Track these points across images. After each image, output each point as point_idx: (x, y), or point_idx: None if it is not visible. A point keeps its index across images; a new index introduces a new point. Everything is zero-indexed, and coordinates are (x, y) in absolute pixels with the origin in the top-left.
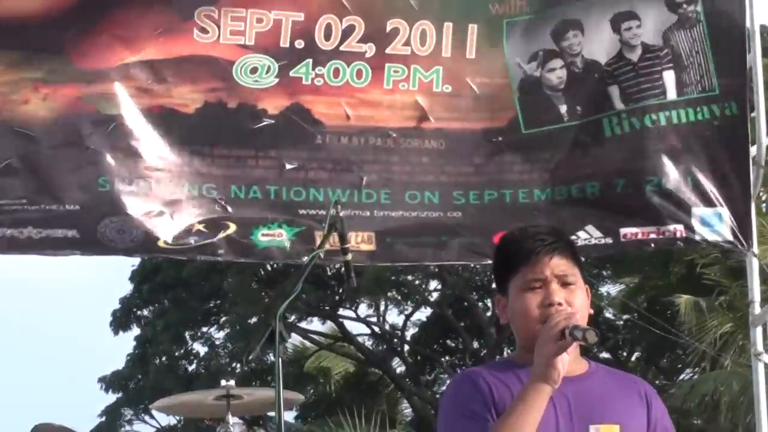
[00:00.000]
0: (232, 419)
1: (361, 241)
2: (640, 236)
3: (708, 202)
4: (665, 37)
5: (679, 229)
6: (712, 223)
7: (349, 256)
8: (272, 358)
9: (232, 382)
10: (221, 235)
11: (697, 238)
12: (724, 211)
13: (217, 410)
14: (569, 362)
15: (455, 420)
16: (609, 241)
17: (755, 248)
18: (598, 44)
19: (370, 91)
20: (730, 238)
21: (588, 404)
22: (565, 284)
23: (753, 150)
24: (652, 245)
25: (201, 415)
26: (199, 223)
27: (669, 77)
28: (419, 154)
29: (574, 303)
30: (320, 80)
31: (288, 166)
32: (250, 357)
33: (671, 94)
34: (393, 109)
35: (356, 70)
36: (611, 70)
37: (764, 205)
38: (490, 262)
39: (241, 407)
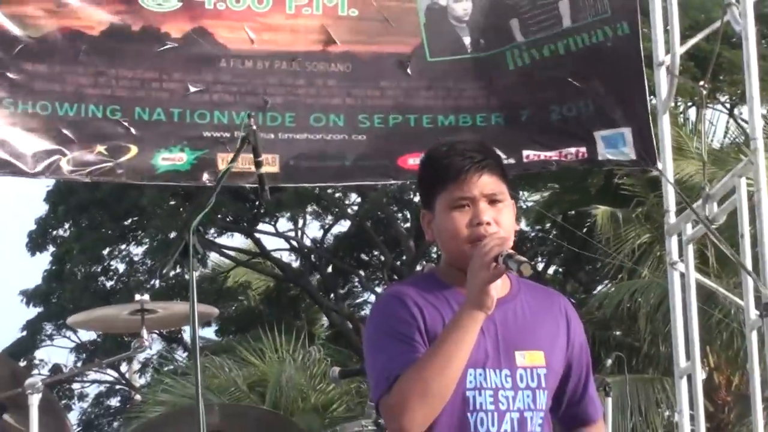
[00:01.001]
0: (147, 334)
1: (265, 163)
2: (542, 158)
3: (610, 123)
4: None
5: (581, 150)
6: (616, 143)
7: (263, 169)
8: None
9: (146, 297)
10: (122, 159)
11: (600, 158)
12: (627, 131)
13: (132, 325)
14: None
15: (382, 340)
16: (512, 161)
17: (668, 164)
18: None
19: (272, 16)
20: (634, 157)
21: (514, 329)
22: (493, 202)
23: (666, 59)
24: (555, 166)
25: (116, 330)
26: (101, 145)
27: (564, 6)
28: (325, 77)
29: (502, 221)
30: (222, 5)
31: (192, 89)
32: (164, 270)
33: (566, 22)
34: (297, 34)
35: None
36: (512, 4)
37: (681, 116)
38: (392, 182)
39: (156, 322)
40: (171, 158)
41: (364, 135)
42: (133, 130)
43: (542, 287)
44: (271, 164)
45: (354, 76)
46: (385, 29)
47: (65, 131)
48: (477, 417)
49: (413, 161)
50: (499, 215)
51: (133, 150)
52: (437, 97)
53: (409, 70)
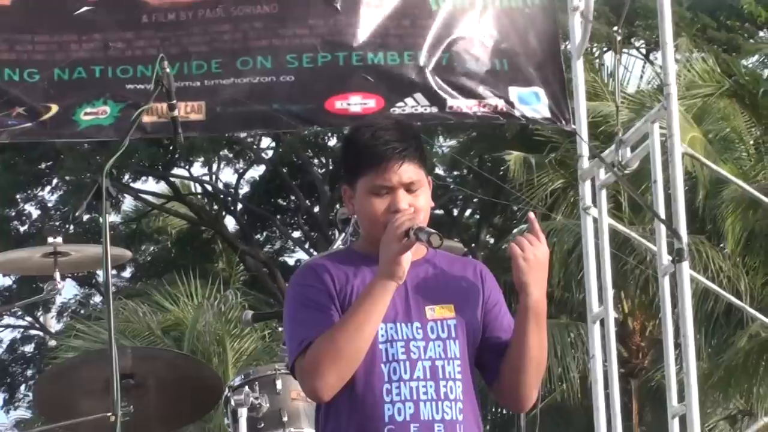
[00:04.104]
0: (60, 277)
1: (191, 111)
2: (464, 109)
3: (525, 82)
4: None
5: (500, 104)
6: (530, 101)
7: (176, 112)
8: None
9: (59, 239)
10: (42, 118)
11: (517, 113)
12: (541, 91)
13: (45, 267)
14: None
15: (299, 310)
16: (435, 110)
17: (581, 110)
18: None
19: None
20: (548, 115)
21: (424, 287)
22: (410, 190)
23: (580, 3)
24: (476, 118)
25: (29, 273)
26: (20, 107)
27: None
28: (251, 20)
29: (418, 204)
30: None
31: (113, 47)
32: (77, 213)
33: None
34: None
35: None
36: None
37: (597, 61)
38: (319, 128)
39: (69, 265)
40: (94, 112)
41: (292, 75)
42: (52, 91)
43: (459, 257)
44: (196, 112)
45: (281, 16)
46: None
47: None
48: (390, 366)
49: (340, 104)
50: (415, 200)
51: (54, 108)
52: (364, 34)
53: (338, 7)
